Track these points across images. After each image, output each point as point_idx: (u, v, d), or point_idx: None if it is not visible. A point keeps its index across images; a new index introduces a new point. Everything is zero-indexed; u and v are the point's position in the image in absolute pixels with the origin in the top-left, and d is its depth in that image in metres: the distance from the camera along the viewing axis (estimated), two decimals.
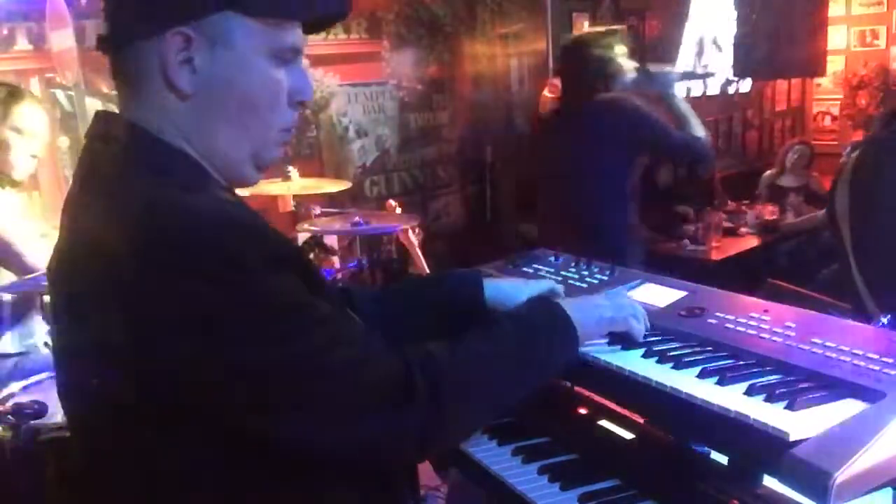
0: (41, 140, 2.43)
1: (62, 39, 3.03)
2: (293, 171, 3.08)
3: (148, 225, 0.86)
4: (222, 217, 0.89)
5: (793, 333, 1.22)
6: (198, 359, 0.85)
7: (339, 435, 0.91)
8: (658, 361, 1.21)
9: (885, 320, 1.34)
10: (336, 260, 3.14)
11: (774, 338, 1.22)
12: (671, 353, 1.22)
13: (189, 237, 0.85)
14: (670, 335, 1.31)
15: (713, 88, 6.59)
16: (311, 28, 1.05)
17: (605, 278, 1.58)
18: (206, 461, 0.92)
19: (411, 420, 0.94)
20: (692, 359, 1.20)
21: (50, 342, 2.45)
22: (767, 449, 0.97)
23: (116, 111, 1.01)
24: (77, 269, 0.94)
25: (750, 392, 1.07)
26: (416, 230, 3.16)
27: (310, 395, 0.89)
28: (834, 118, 7.07)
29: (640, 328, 1.27)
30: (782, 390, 1.05)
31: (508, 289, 1.35)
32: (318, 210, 3.13)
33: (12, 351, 2.40)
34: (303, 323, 0.89)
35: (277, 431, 0.90)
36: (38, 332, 2.48)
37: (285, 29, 0.97)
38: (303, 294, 0.91)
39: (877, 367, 1.07)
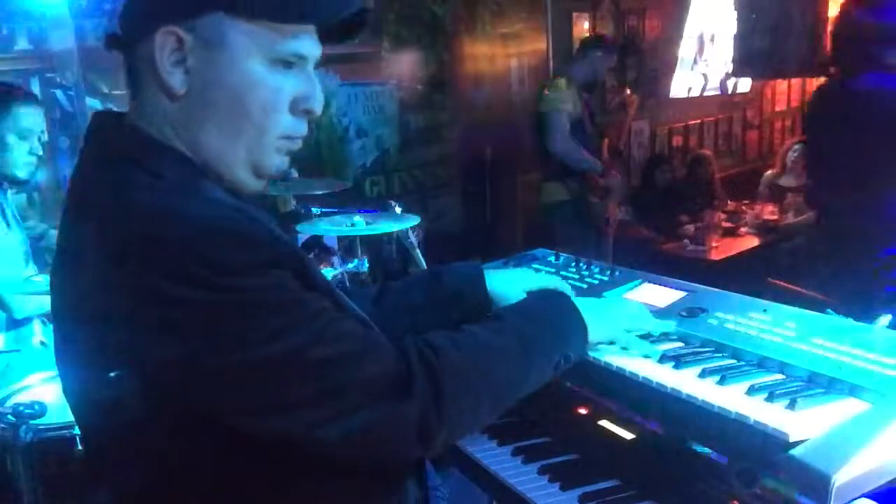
0: (40, 138, 2.44)
1: (62, 39, 3.03)
2: (293, 171, 3.08)
3: (134, 231, 0.86)
4: (210, 222, 0.87)
5: (793, 333, 1.22)
6: (190, 363, 0.86)
7: (336, 430, 0.91)
8: (658, 361, 1.21)
9: (885, 320, 1.33)
10: (336, 260, 3.14)
11: (774, 338, 1.22)
12: (671, 353, 1.22)
13: (176, 245, 0.85)
14: (671, 335, 1.31)
15: (713, 88, 6.60)
16: (331, 37, 1.01)
17: (605, 279, 1.58)
18: (207, 458, 0.92)
19: (409, 412, 0.93)
20: (692, 359, 1.20)
21: (45, 341, 2.46)
22: (767, 449, 0.97)
23: (114, 111, 1.01)
24: (70, 273, 0.95)
25: (750, 392, 1.07)
26: (416, 230, 3.16)
27: (303, 392, 0.89)
28: None
29: (642, 346, 1.27)
30: (782, 390, 1.05)
31: (512, 278, 1.33)
32: (318, 210, 3.13)
33: (6, 348, 2.41)
34: (294, 321, 0.89)
35: (273, 429, 0.90)
36: (37, 332, 2.48)
37: (287, 34, 0.95)
38: (295, 292, 0.91)
39: (877, 367, 1.07)
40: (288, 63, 0.96)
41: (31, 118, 2.39)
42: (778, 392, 1.05)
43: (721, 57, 6.38)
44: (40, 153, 2.43)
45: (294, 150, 1.02)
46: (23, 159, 2.39)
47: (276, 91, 0.96)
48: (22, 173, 2.42)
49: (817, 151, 3.06)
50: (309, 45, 0.98)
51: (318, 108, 1.01)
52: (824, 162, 2.94)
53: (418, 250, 3.16)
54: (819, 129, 2.94)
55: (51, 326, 2.44)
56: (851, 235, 2.73)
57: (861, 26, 2.62)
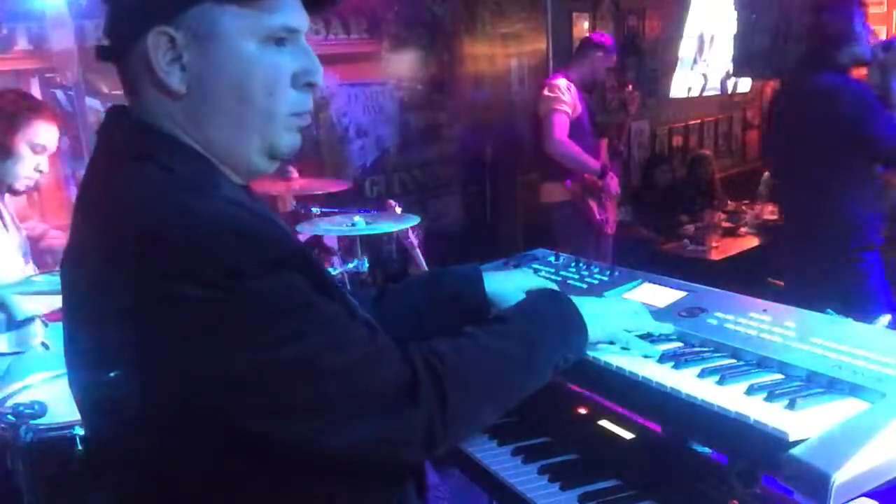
0: (48, 155, 2.45)
1: (62, 39, 3.03)
2: (293, 171, 3.08)
3: (147, 230, 0.86)
4: (221, 222, 0.87)
5: (792, 333, 1.22)
6: (196, 363, 0.85)
7: (342, 436, 0.91)
8: (658, 361, 1.21)
9: (885, 320, 1.33)
10: (336, 260, 3.14)
11: (774, 338, 1.22)
12: (671, 353, 1.22)
13: (187, 243, 0.85)
14: (670, 335, 1.31)
15: (713, 88, 6.60)
16: (313, 6, 1.01)
17: (605, 279, 1.58)
18: (208, 459, 0.92)
19: (415, 419, 0.94)
20: (692, 358, 1.20)
21: (47, 343, 2.46)
22: (767, 449, 0.97)
23: (127, 106, 1.00)
24: (76, 270, 0.95)
25: (749, 392, 1.07)
26: (416, 230, 3.16)
27: (310, 398, 0.89)
28: None
29: (642, 346, 1.26)
30: (782, 390, 1.05)
31: (510, 280, 1.34)
32: (318, 210, 3.13)
33: (8, 350, 2.41)
34: (303, 326, 0.89)
35: (278, 434, 0.89)
36: (38, 334, 2.48)
37: (273, 9, 0.94)
38: (305, 295, 0.90)
39: (877, 367, 1.07)
40: (280, 39, 0.96)
41: (48, 135, 2.40)
42: (777, 392, 1.05)
43: (721, 57, 6.38)
44: (45, 170, 2.44)
45: (304, 126, 1.02)
46: (26, 173, 2.39)
47: (275, 69, 0.96)
48: (20, 186, 2.43)
49: (773, 151, 3.14)
50: (297, 16, 0.98)
51: (318, 78, 1.00)
52: (780, 161, 3.02)
53: (418, 250, 3.16)
54: (777, 128, 3.05)
55: (52, 327, 2.45)
56: (809, 233, 2.81)
57: (813, 27, 2.69)
